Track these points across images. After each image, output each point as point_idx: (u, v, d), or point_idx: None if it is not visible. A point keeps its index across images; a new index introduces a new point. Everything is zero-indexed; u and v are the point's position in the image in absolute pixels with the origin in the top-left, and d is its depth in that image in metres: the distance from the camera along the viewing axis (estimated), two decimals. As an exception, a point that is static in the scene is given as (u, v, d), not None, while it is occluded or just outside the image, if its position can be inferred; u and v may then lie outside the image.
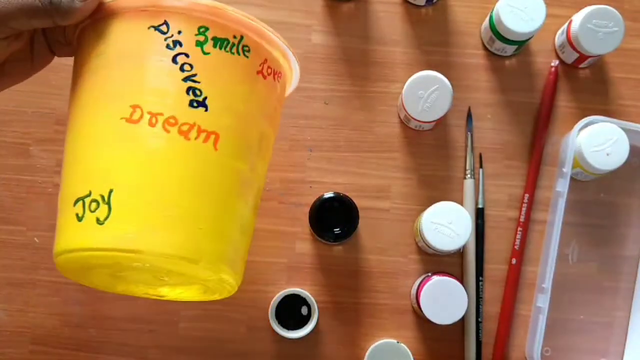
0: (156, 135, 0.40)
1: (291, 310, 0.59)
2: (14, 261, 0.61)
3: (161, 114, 0.41)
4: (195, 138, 0.41)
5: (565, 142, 0.61)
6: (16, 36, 0.44)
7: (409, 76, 0.58)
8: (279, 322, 0.58)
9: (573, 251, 0.62)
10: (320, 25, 0.63)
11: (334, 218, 0.57)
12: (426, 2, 0.62)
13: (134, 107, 0.41)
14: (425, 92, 0.57)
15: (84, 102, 0.43)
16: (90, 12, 0.42)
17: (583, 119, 0.59)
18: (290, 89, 0.52)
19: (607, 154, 0.57)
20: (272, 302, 0.58)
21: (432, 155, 0.62)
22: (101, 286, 0.49)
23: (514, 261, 0.61)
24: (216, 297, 0.47)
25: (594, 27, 0.58)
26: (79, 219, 0.40)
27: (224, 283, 0.44)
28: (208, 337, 0.61)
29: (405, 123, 0.62)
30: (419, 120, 0.58)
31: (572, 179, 0.60)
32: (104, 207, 0.39)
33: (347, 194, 0.58)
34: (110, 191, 0.40)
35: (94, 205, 0.40)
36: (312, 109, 0.62)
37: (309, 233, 0.61)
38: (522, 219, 0.61)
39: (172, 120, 0.41)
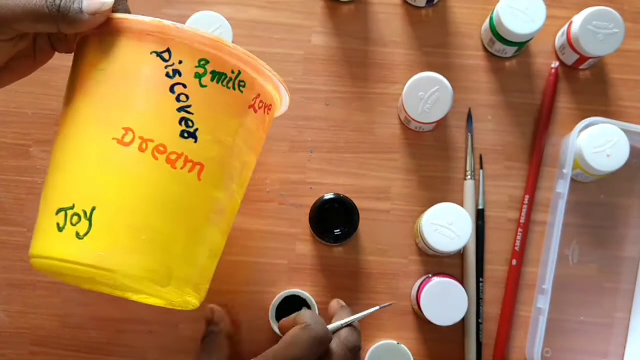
0: (144, 161, 0.42)
1: (291, 311, 0.59)
2: (13, 262, 0.61)
3: (152, 141, 0.42)
4: (181, 167, 0.42)
5: (566, 143, 0.61)
6: (21, 37, 0.44)
7: (409, 77, 0.58)
8: (279, 323, 0.58)
9: (573, 252, 0.62)
10: (321, 27, 0.63)
11: (334, 219, 0.57)
12: (426, 3, 0.62)
13: (127, 129, 0.42)
14: (426, 94, 0.57)
15: (78, 114, 0.43)
16: (97, 25, 0.43)
17: (583, 120, 0.59)
18: (277, 114, 0.53)
19: (607, 155, 0.57)
20: (272, 303, 0.58)
21: (432, 156, 0.62)
22: (70, 282, 0.50)
23: (514, 262, 0.61)
24: (182, 308, 0.49)
25: (594, 29, 0.58)
26: (60, 229, 0.42)
27: (187, 303, 0.46)
28: (208, 338, 0.61)
29: (405, 124, 0.62)
30: (419, 122, 0.58)
31: (572, 180, 0.60)
32: (84, 223, 0.41)
33: (347, 195, 0.58)
34: (93, 208, 0.41)
35: (75, 218, 0.41)
36: (313, 110, 0.62)
37: (309, 234, 0.61)
38: (522, 220, 0.61)
39: (161, 148, 0.42)
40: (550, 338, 0.60)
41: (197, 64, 0.43)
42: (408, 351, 0.58)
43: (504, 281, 0.61)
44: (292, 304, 0.59)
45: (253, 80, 0.46)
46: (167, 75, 0.42)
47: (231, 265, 0.60)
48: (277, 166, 0.62)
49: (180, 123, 0.42)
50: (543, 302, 0.58)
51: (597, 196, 0.62)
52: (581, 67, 0.62)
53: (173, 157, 0.42)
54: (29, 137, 0.62)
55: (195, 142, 0.43)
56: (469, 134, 0.62)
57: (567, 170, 0.59)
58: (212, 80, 0.43)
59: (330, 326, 0.50)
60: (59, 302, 0.61)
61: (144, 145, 0.42)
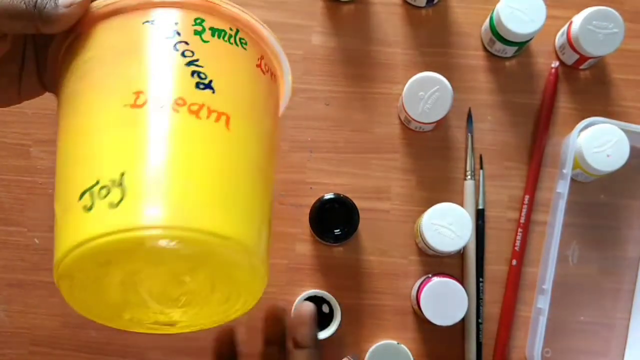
0: (165, 115, 0.38)
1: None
2: (13, 262, 0.61)
3: (167, 96, 0.38)
4: (207, 117, 0.39)
5: (566, 143, 0.61)
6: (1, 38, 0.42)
7: (409, 77, 0.58)
8: None
9: (573, 252, 0.62)
10: (321, 27, 0.63)
11: (334, 219, 0.57)
12: (426, 3, 0.62)
13: (137, 93, 0.38)
14: (426, 94, 0.57)
15: (78, 104, 0.40)
16: (75, 20, 0.41)
17: (583, 120, 0.59)
18: (282, 104, 0.51)
19: (608, 155, 0.57)
20: (294, 305, 0.59)
21: (432, 156, 0.62)
22: (106, 316, 0.45)
23: (514, 262, 0.61)
24: (239, 305, 0.43)
25: (594, 29, 0.58)
26: (88, 209, 0.36)
27: (255, 273, 0.40)
28: (207, 338, 0.61)
29: (405, 124, 0.62)
30: (419, 122, 0.58)
31: (572, 180, 0.60)
32: (116, 191, 0.35)
33: (347, 195, 0.58)
34: (122, 174, 0.35)
35: (104, 192, 0.35)
36: (313, 110, 0.62)
37: (309, 234, 0.61)
38: (522, 220, 0.61)
39: (180, 101, 0.38)
40: (551, 338, 0.60)
41: (193, 23, 0.41)
42: (408, 351, 0.58)
43: (504, 281, 0.61)
44: (314, 304, 0.59)
45: (253, 40, 0.44)
46: (167, 37, 0.40)
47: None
48: (277, 166, 0.61)
49: (192, 76, 0.39)
50: (543, 303, 0.58)
51: (598, 196, 0.62)
52: (581, 67, 0.62)
53: (194, 107, 0.38)
54: (29, 137, 0.62)
55: (213, 92, 0.39)
56: (469, 134, 0.62)
57: (568, 171, 0.59)
58: (212, 36, 0.41)
59: None
60: (59, 302, 0.61)
61: (160, 102, 0.38)
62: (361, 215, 0.57)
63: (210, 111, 0.39)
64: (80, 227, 0.35)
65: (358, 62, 0.63)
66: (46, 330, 0.61)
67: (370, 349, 0.58)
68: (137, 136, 0.37)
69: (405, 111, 0.58)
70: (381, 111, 0.62)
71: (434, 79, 0.57)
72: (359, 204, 0.57)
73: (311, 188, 0.62)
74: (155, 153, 0.36)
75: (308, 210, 0.58)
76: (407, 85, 0.57)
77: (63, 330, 0.61)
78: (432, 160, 0.62)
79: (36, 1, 0.40)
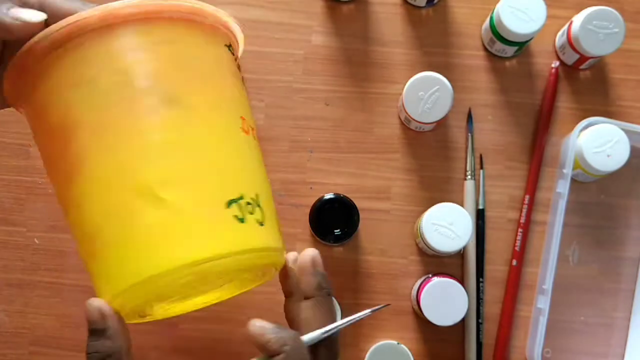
0: (255, 141, 0.43)
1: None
2: (13, 262, 0.61)
3: (251, 122, 0.43)
4: (253, 135, 0.43)
5: (566, 143, 0.61)
6: None
7: (410, 77, 0.58)
8: None
9: (574, 252, 0.62)
10: (321, 26, 0.63)
11: (334, 219, 0.57)
12: (426, 3, 0.62)
13: (242, 117, 0.42)
14: (426, 93, 0.57)
15: (206, 118, 0.40)
16: (31, 31, 0.39)
17: (583, 120, 0.59)
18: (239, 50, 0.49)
19: (608, 155, 0.57)
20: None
21: (432, 156, 0.62)
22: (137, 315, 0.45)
23: (514, 262, 0.61)
24: (267, 276, 0.46)
25: (594, 28, 0.58)
26: (240, 219, 0.39)
27: (282, 254, 0.44)
28: (207, 338, 0.61)
29: (405, 124, 0.62)
30: (419, 122, 0.58)
31: (572, 180, 0.60)
32: (258, 211, 0.40)
33: (347, 195, 0.58)
34: (257, 195, 0.40)
35: (249, 208, 0.39)
36: (313, 109, 0.62)
37: (309, 234, 0.61)
38: (522, 220, 0.61)
39: (248, 126, 0.43)
40: (551, 338, 0.60)
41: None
42: (408, 351, 0.58)
43: (504, 281, 0.61)
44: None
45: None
46: (234, 61, 0.44)
47: (231, 265, 0.60)
48: (277, 166, 0.62)
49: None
50: (543, 303, 0.58)
51: (598, 196, 0.62)
52: (581, 67, 0.62)
53: (247, 127, 0.43)
54: (29, 137, 0.62)
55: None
56: (469, 134, 0.62)
57: (568, 171, 0.59)
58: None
59: (308, 337, 0.42)
60: (59, 302, 0.61)
61: (247, 127, 0.42)
62: (361, 215, 0.57)
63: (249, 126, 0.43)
64: (236, 236, 0.38)
65: (358, 62, 0.63)
66: (46, 330, 0.61)
67: (370, 349, 0.58)
68: (257, 161, 0.42)
69: (406, 111, 0.58)
70: (381, 111, 0.62)
71: (434, 79, 0.57)
72: (359, 204, 0.57)
73: (311, 188, 0.62)
74: (264, 180, 0.42)
75: (308, 210, 0.58)
76: (407, 85, 0.57)
77: (63, 330, 0.61)
78: (432, 160, 0.62)
79: None
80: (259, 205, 0.40)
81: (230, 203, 0.38)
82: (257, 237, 0.39)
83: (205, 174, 0.39)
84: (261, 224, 0.40)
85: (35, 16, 0.39)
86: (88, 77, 0.38)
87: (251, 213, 0.39)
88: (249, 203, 0.39)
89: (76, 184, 0.38)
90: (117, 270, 0.38)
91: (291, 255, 0.44)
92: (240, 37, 0.46)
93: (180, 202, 0.37)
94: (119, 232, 0.37)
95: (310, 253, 0.44)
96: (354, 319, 0.44)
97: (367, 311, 0.45)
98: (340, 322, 0.43)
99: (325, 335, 0.42)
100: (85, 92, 0.38)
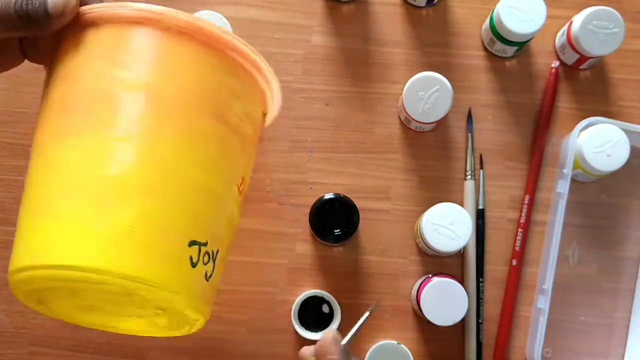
0: (239, 199, 0.45)
1: (314, 313, 0.60)
2: (13, 262, 0.61)
3: (246, 181, 0.45)
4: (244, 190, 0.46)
5: (566, 143, 0.61)
6: None
7: (410, 77, 0.57)
8: (300, 324, 0.59)
9: (574, 252, 0.62)
10: (321, 26, 0.63)
11: (334, 219, 0.57)
12: (426, 3, 0.62)
13: (242, 178, 0.44)
14: (426, 93, 0.57)
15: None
16: (69, 20, 0.41)
17: (583, 120, 0.59)
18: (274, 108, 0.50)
19: (608, 155, 0.57)
20: (293, 307, 0.59)
21: (432, 156, 0.62)
22: (60, 313, 0.46)
23: (514, 262, 0.61)
24: (188, 328, 0.45)
25: (594, 28, 0.58)
26: (193, 264, 0.39)
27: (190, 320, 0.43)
28: (208, 338, 0.61)
29: (405, 124, 0.62)
30: (419, 122, 0.58)
31: (572, 180, 0.60)
32: (211, 265, 0.40)
33: (347, 195, 0.58)
34: (217, 252, 0.41)
35: (206, 258, 0.40)
36: (313, 110, 0.62)
37: (309, 234, 0.61)
38: (522, 220, 0.61)
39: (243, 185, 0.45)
40: (551, 338, 0.60)
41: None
42: (408, 351, 0.58)
43: (504, 281, 0.61)
44: (312, 304, 0.60)
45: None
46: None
47: (231, 265, 0.60)
48: (277, 166, 0.62)
49: None
50: (543, 303, 0.58)
51: (598, 196, 0.62)
52: (581, 67, 0.62)
53: (242, 187, 0.45)
54: (29, 137, 0.62)
55: None
56: (469, 134, 0.62)
57: (568, 171, 0.59)
58: None
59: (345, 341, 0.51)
60: (59, 302, 0.61)
61: (242, 188, 0.45)
62: (361, 215, 0.57)
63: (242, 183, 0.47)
64: (182, 279, 0.39)
65: (358, 62, 0.63)
66: (46, 331, 0.61)
67: (371, 349, 0.58)
68: (232, 221, 0.43)
69: (406, 111, 0.58)
70: (381, 111, 0.62)
71: (434, 79, 0.57)
72: (359, 204, 0.57)
73: (311, 188, 0.62)
74: (231, 243, 0.45)
75: (308, 210, 0.58)
76: (407, 85, 0.57)
77: (63, 330, 0.61)
78: (432, 160, 0.62)
79: (27, 11, 0.40)
80: (214, 261, 0.41)
81: (193, 243, 0.39)
82: (196, 288, 0.39)
83: (184, 211, 0.39)
84: (208, 278, 0.40)
85: (70, 3, 0.41)
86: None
87: (206, 263, 0.40)
88: (207, 253, 0.40)
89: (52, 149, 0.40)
90: (37, 246, 0.39)
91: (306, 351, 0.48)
92: (277, 103, 0.48)
93: (152, 215, 0.38)
94: (56, 214, 0.38)
95: (330, 333, 0.49)
96: (360, 325, 0.51)
97: (366, 314, 0.50)
98: (351, 333, 0.50)
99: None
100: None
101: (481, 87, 0.63)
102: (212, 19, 0.57)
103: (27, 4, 0.40)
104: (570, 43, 0.60)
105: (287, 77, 0.62)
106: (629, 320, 0.61)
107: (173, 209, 0.39)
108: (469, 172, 0.61)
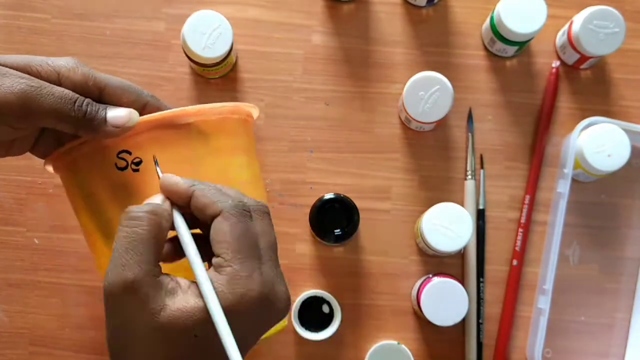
0: None
1: (313, 312, 0.60)
2: (13, 262, 0.61)
3: None
4: None
5: (567, 143, 0.61)
6: (32, 130, 0.44)
7: (410, 77, 0.57)
8: (300, 324, 0.59)
9: (574, 252, 0.62)
10: (321, 26, 0.63)
11: (334, 219, 0.57)
12: (427, 2, 0.62)
13: None
14: (426, 93, 0.57)
15: None
16: (116, 136, 0.42)
17: (584, 120, 0.59)
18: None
19: (609, 155, 0.57)
20: (294, 306, 0.58)
21: (432, 156, 0.62)
22: None
23: (514, 262, 0.61)
24: None
25: (594, 28, 0.58)
26: None
27: None
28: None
29: (405, 124, 0.62)
30: (419, 121, 0.58)
31: (573, 180, 0.60)
32: None
33: (347, 195, 0.58)
34: None
35: None
36: (313, 109, 0.62)
37: (309, 234, 0.61)
38: (523, 220, 0.61)
39: None
40: (551, 338, 0.60)
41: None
42: (408, 351, 0.58)
43: (505, 281, 0.61)
44: (312, 304, 0.59)
45: None
46: None
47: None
48: (277, 166, 0.62)
49: None
50: (544, 303, 0.58)
51: (598, 196, 0.62)
52: (582, 66, 0.62)
53: None
54: (28, 137, 0.62)
55: None
56: (469, 133, 0.62)
57: (568, 170, 0.59)
58: None
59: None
60: (59, 302, 0.61)
61: None
62: (361, 215, 0.57)
63: None
64: None
65: (358, 62, 0.63)
66: (46, 331, 0.61)
67: (371, 349, 0.58)
68: None
69: (406, 111, 0.58)
70: (381, 111, 0.62)
71: (435, 79, 0.57)
72: (359, 204, 0.57)
73: (311, 188, 0.62)
74: None
75: (308, 210, 0.58)
76: (407, 85, 0.57)
77: (63, 330, 0.61)
78: (433, 160, 0.62)
79: (85, 111, 0.40)
80: None
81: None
82: None
83: None
84: None
85: (131, 120, 0.41)
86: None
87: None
88: None
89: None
90: None
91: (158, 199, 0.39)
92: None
93: None
94: None
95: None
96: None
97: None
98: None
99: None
100: None
101: (481, 87, 0.63)
102: (211, 19, 0.56)
103: (88, 104, 0.40)
104: (571, 43, 0.60)
105: (287, 77, 0.62)
106: (629, 320, 0.61)
107: None
108: (469, 172, 0.61)
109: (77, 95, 0.40)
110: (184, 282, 0.36)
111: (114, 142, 0.43)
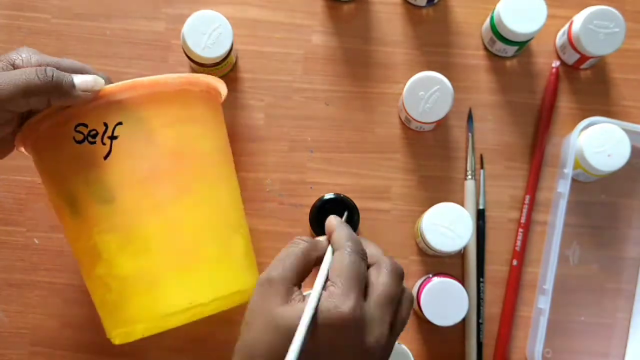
0: None
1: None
2: (13, 262, 0.61)
3: None
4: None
5: (567, 143, 0.61)
6: (8, 121, 0.44)
7: (410, 77, 0.57)
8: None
9: (574, 252, 0.62)
10: (321, 26, 0.63)
11: (334, 219, 0.57)
12: (427, 2, 0.62)
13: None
14: (426, 93, 0.57)
15: None
16: (87, 101, 0.44)
17: (584, 120, 0.59)
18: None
19: (609, 155, 0.57)
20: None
21: (432, 156, 0.62)
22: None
23: (515, 262, 0.61)
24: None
25: (595, 28, 0.58)
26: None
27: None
28: (209, 339, 0.61)
29: (405, 124, 0.62)
30: (419, 121, 0.58)
31: (573, 180, 0.60)
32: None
33: (347, 195, 0.58)
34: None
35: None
36: (313, 109, 0.62)
37: (309, 234, 0.61)
38: (523, 220, 0.61)
39: None
40: (551, 338, 0.60)
41: None
42: (408, 351, 0.58)
43: (505, 281, 0.61)
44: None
45: None
46: None
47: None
48: (278, 166, 0.62)
49: None
50: (544, 303, 0.58)
51: (598, 196, 0.62)
52: (582, 66, 0.62)
53: None
54: (28, 137, 0.62)
55: None
56: (469, 133, 0.62)
57: (568, 170, 0.59)
58: None
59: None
60: (59, 302, 0.61)
61: None
62: (361, 215, 0.57)
63: None
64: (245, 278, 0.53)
65: (358, 62, 0.63)
66: (46, 331, 0.61)
67: (371, 349, 0.58)
68: None
69: (406, 111, 0.58)
70: (381, 111, 0.62)
71: (435, 79, 0.57)
72: (359, 204, 0.57)
73: (311, 188, 0.62)
74: None
75: (308, 210, 0.58)
76: (407, 85, 0.57)
77: (62, 330, 0.61)
78: (433, 160, 0.62)
79: (52, 76, 0.42)
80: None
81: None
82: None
83: None
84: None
85: (98, 84, 0.44)
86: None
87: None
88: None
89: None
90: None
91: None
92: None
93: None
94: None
95: (331, 219, 0.47)
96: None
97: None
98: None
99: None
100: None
101: (481, 87, 0.63)
102: (211, 19, 0.56)
103: (52, 71, 0.42)
104: (571, 43, 0.60)
105: (287, 77, 0.62)
106: (629, 320, 0.61)
107: None
108: (469, 172, 0.61)
109: (35, 67, 0.42)
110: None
111: (71, 114, 0.45)
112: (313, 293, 0.39)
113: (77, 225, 0.48)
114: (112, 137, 0.45)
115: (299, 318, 0.38)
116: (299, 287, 0.42)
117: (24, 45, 0.61)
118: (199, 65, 0.58)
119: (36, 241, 0.61)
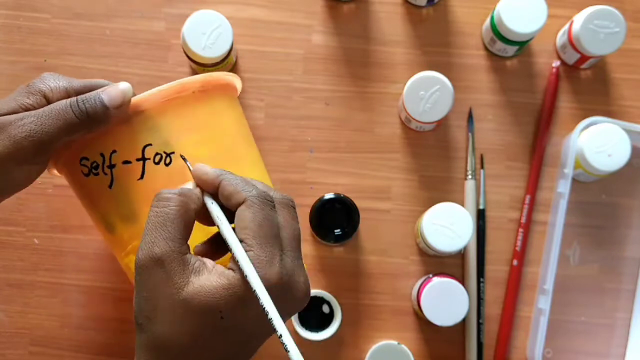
0: None
1: (313, 312, 0.59)
2: (13, 262, 0.61)
3: None
4: None
5: (567, 143, 0.61)
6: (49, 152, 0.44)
7: (410, 77, 0.57)
8: (300, 324, 0.59)
9: (574, 252, 0.62)
10: (321, 26, 0.63)
11: (334, 219, 0.57)
12: (427, 2, 0.62)
13: None
14: (426, 93, 0.57)
15: None
16: (123, 114, 0.43)
17: (584, 120, 0.59)
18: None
19: (609, 155, 0.57)
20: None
21: (433, 156, 0.62)
22: None
23: (515, 262, 0.61)
24: None
25: (595, 28, 0.58)
26: None
27: None
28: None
29: (406, 124, 0.62)
30: (419, 121, 0.58)
31: (573, 180, 0.60)
32: None
33: (347, 195, 0.58)
34: None
35: None
36: (313, 109, 0.62)
37: (309, 234, 0.61)
38: (523, 220, 0.61)
39: None
40: (551, 338, 0.60)
41: None
42: (409, 352, 0.58)
43: (505, 281, 0.61)
44: (314, 305, 0.59)
45: None
46: None
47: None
48: (277, 166, 0.62)
49: None
50: (544, 303, 0.58)
51: (599, 196, 0.62)
52: (582, 66, 0.62)
53: None
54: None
55: None
56: (469, 133, 0.62)
57: (569, 170, 0.59)
58: None
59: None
60: (59, 302, 0.61)
61: None
62: (361, 215, 0.57)
63: None
64: None
65: (358, 62, 0.63)
66: (46, 331, 0.61)
67: (371, 349, 0.58)
68: None
69: (406, 111, 0.58)
70: (382, 111, 0.62)
71: (435, 79, 0.57)
72: (359, 203, 0.57)
73: (311, 188, 0.62)
74: None
75: (308, 210, 0.58)
76: (407, 85, 0.57)
77: (62, 330, 0.61)
78: (433, 160, 0.62)
79: (86, 109, 0.42)
80: None
81: None
82: None
83: None
84: None
85: (127, 95, 0.43)
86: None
87: None
88: None
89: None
90: None
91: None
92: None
93: None
94: None
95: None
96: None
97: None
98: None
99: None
100: None
101: (482, 87, 0.63)
102: (211, 19, 0.56)
103: (83, 102, 0.42)
104: (571, 42, 0.60)
105: (287, 77, 0.62)
106: (629, 320, 0.61)
107: None
108: (469, 172, 0.61)
109: (68, 101, 0.42)
110: (209, 262, 0.37)
111: (75, 148, 0.45)
112: (242, 261, 0.35)
113: (113, 242, 0.48)
114: (111, 166, 0.44)
115: (211, 291, 0.35)
116: (188, 249, 0.37)
117: (25, 44, 0.61)
118: (199, 65, 0.58)
119: (36, 241, 0.61)
